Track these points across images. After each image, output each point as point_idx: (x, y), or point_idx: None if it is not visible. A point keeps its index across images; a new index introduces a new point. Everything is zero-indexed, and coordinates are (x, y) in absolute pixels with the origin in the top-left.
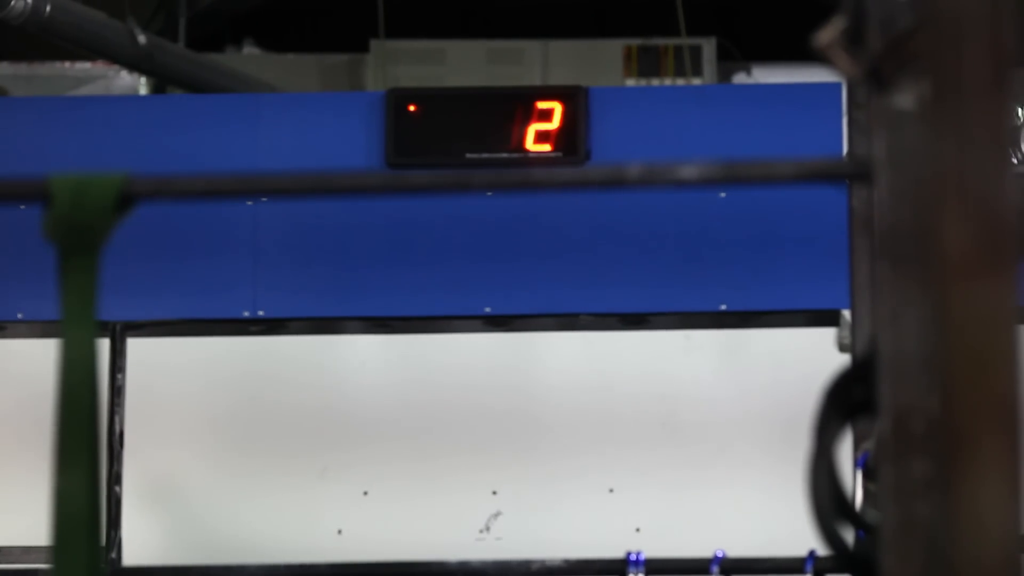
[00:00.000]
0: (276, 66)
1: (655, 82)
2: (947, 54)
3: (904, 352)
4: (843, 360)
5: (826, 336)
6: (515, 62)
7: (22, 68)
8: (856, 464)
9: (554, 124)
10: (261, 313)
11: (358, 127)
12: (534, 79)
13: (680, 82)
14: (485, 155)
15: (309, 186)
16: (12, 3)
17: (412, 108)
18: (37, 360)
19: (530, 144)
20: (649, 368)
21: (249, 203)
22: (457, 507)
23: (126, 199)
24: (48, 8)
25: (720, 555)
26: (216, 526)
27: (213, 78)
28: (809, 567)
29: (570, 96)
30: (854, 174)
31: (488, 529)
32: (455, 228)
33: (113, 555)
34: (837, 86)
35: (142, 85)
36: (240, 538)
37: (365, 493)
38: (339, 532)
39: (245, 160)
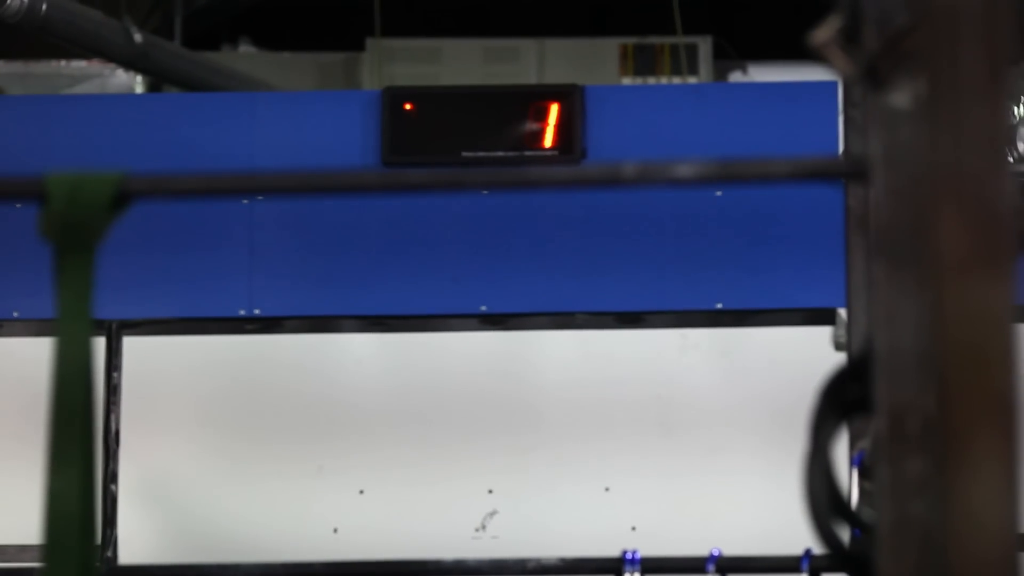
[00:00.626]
0: (272, 64)
1: (651, 81)
2: (943, 52)
3: (900, 350)
4: (839, 359)
5: (822, 335)
6: (511, 61)
7: (18, 66)
8: (852, 462)
9: (550, 123)
10: (257, 312)
11: (354, 125)
12: (530, 78)
13: (676, 81)
14: (481, 154)
15: (305, 185)
16: (8, 1)
17: (408, 107)
18: (33, 358)
19: (526, 143)
20: (645, 367)
21: (245, 201)
22: (453, 505)
23: (122, 197)
24: (44, 6)
25: (716, 553)
26: (212, 525)
27: (209, 77)
28: (805, 566)
29: (566, 95)
30: (850, 173)
31: (484, 528)
32: (451, 226)
33: (109, 554)
34: (833, 84)
35: (138, 84)
36: (236, 537)
37: (361, 491)
38: (335, 531)
39: (241, 158)
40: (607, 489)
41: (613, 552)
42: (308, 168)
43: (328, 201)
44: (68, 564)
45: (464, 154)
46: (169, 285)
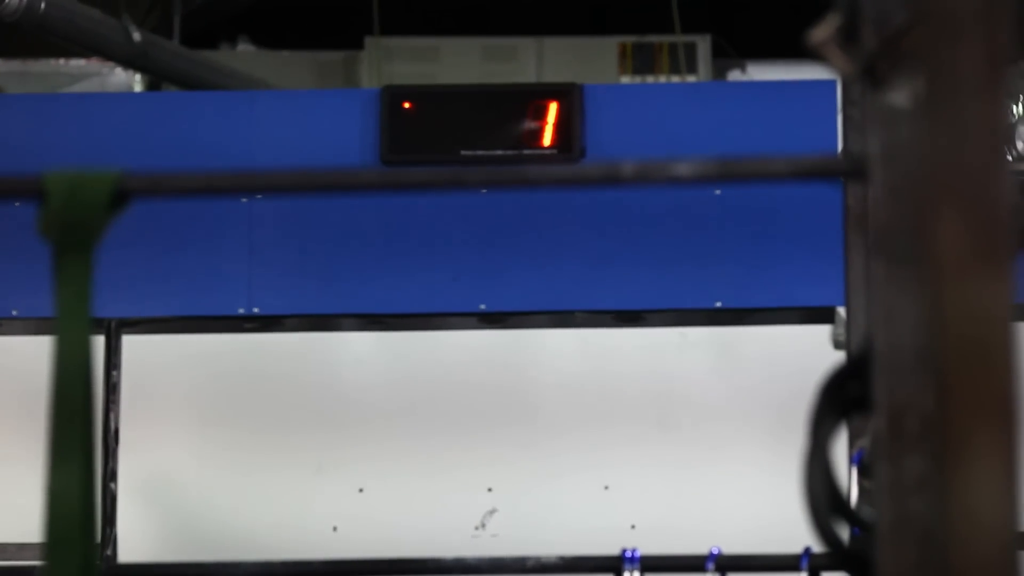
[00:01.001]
0: (271, 63)
1: (650, 79)
2: (942, 51)
3: (899, 349)
4: (838, 357)
5: (821, 333)
6: (510, 59)
7: (16, 65)
8: (851, 461)
9: (549, 121)
10: (256, 310)
11: (353, 124)
12: (529, 76)
13: (675, 79)
14: (480, 152)
15: (304, 183)
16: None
17: (407, 105)
18: (32, 357)
19: (525, 141)
20: (645, 365)
21: (244, 200)
22: (453, 504)
23: (121, 196)
24: (43, 5)
25: (715, 552)
26: (211, 523)
27: (208, 75)
28: (804, 564)
29: (565, 93)
30: (849, 171)
31: (484, 526)
32: (451, 225)
33: (108, 552)
34: (832, 83)
35: (137, 82)
36: (235, 535)
37: (360, 490)
38: (334, 529)
39: (240, 157)
40: (607, 487)
41: (613, 550)
42: (307, 167)
43: (327, 200)
44: (69, 562)
45: (463, 152)
46: (168, 283)
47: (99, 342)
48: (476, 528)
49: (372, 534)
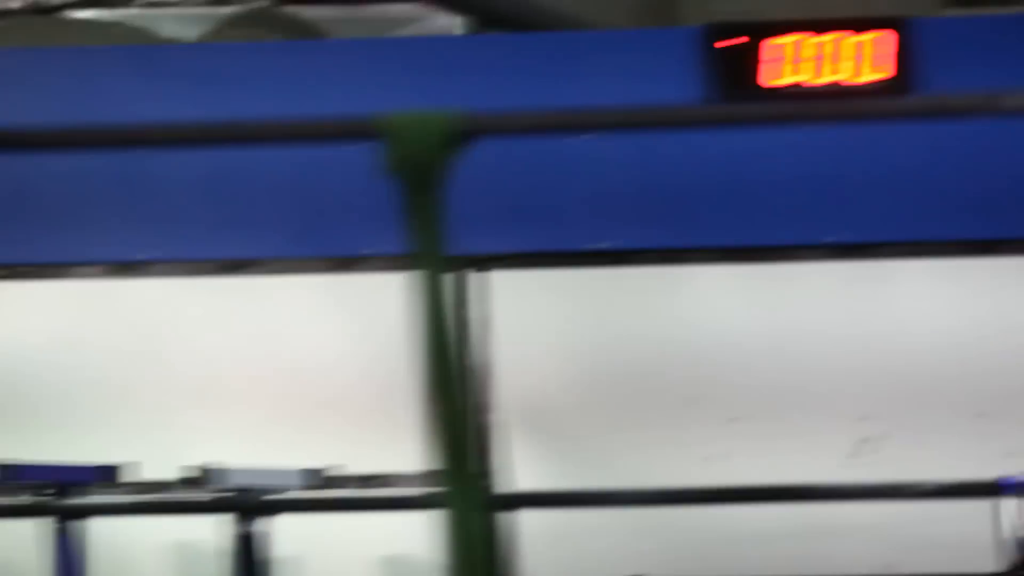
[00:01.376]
0: (585, 2)
1: (974, 12)
2: None
3: None
4: None
5: None
6: None
7: (342, 11)
8: None
9: (878, 53)
10: (606, 245)
11: (676, 62)
12: (845, 11)
13: (1002, 12)
14: (810, 87)
15: (640, 121)
16: None
17: (732, 42)
18: (387, 294)
19: (853, 74)
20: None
21: (584, 137)
22: (825, 433)
23: (463, 135)
24: None
25: None
26: (584, 453)
27: (526, 15)
28: None
29: (894, 25)
30: None
31: (858, 454)
32: (792, 159)
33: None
34: None
35: (457, 26)
36: (607, 464)
37: (731, 420)
38: (706, 458)
39: (562, 96)
40: (980, 415)
41: (987, 476)
42: (642, 105)
43: (668, 135)
44: (462, 488)
45: (792, 87)
46: (526, 221)
47: (463, 278)
48: (849, 456)
49: (745, 463)
